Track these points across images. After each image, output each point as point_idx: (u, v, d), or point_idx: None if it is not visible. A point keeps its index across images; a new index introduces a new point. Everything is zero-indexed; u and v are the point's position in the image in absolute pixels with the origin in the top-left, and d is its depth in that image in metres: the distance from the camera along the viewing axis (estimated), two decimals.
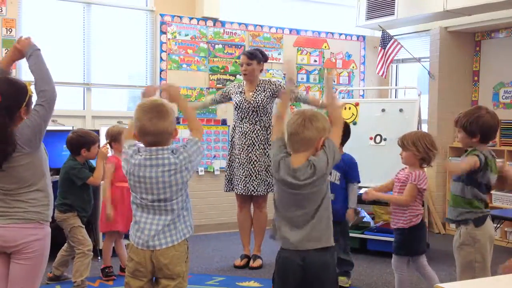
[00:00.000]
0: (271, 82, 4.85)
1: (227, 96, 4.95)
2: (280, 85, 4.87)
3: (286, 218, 2.59)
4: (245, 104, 4.76)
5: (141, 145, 2.56)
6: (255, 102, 4.74)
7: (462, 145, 3.29)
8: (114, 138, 4.30)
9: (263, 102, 4.74)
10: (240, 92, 4.82)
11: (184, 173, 2.50)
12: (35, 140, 2.50)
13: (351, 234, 5.18)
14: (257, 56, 4.80)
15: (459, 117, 3.18)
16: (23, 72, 5.16)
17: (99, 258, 4.84)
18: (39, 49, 2.63)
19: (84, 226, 4.11)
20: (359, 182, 4.24)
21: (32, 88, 2.56)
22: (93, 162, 4.29)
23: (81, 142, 4.06)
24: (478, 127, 3.08)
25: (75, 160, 4.06)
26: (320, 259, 2.54)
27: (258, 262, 4.82)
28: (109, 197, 4.21)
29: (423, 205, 3.64)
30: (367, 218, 5.68)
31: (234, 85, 4.97)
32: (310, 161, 2.53)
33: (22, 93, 2.52)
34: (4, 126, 2.42)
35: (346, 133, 4.14)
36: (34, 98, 2.57)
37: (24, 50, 2.63)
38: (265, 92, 4.77)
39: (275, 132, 2.73)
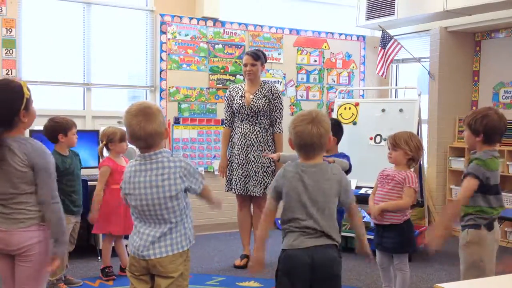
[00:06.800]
0: (271, 88, 4.79)
1: (232, 104, 4.85)
2: (278, 92, 4.80)
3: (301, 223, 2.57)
4: (244, 108, 4.76)
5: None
6: (255, 106, 4.73)
7: (467, 144, 3.20)
8: (110, 138, 4.30)
9: (263, 107, 4.73)
10: (241, 96, 4.81)
11: (178, 181, 2.47)
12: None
13: (351, 234, 5.21)
14: (260, 57, 4.80)
15: (467, 115, 3.11)
16: (23, 72, 5.16)
17: (99, 258, 4.84)
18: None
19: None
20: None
21: (27, 88, 2.48)
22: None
23: (56, 128, 3.92)
24: (482, 126, 3.01)
25: (56, 153, 3.87)
26: (328, 255, 2.54)
27: None
28: (99, 201, 4.20)
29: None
30: (367, 218, 5.67)
31: (233, 89, 4.90)
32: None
33: (17, 98, 2.43)
34: None
35: (339, 131, 4.14)
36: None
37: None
38: (265, 97, 4.75)
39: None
